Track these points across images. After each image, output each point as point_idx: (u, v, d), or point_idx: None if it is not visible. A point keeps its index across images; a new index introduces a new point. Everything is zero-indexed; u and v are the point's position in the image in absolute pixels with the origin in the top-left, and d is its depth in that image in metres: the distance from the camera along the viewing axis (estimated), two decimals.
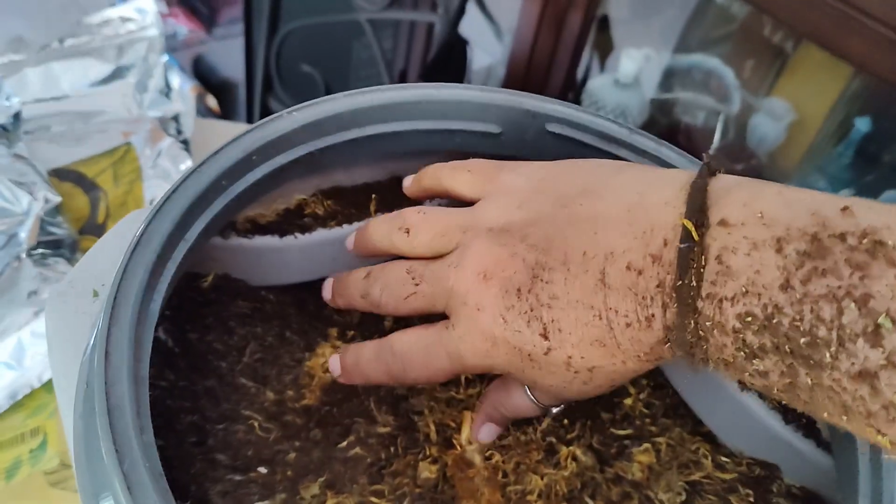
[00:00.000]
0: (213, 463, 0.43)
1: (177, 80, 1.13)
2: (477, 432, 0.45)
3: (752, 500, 0.47)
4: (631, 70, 1.24)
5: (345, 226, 0.51)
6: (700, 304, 0.31)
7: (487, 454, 0.47)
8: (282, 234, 0.50)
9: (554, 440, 0.50)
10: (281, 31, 1.43)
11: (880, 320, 0.25)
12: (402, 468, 0.46)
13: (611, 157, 0.49)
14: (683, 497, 0.47)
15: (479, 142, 0.50)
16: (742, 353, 0.30)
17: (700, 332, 0.31)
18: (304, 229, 0.51)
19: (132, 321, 0.32)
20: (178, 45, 2.18)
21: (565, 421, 0.52)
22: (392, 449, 0.48)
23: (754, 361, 0.29)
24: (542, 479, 0.47)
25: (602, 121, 0.48)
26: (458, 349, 0.39)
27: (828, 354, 0.26)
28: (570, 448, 0.49)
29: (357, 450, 0.47)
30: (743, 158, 1.29)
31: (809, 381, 0.28)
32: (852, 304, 0.26)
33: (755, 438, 0.49)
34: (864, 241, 0.26)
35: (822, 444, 0.47)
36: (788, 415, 0.48)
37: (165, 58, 1.12)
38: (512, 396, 0.44)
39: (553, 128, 0.49)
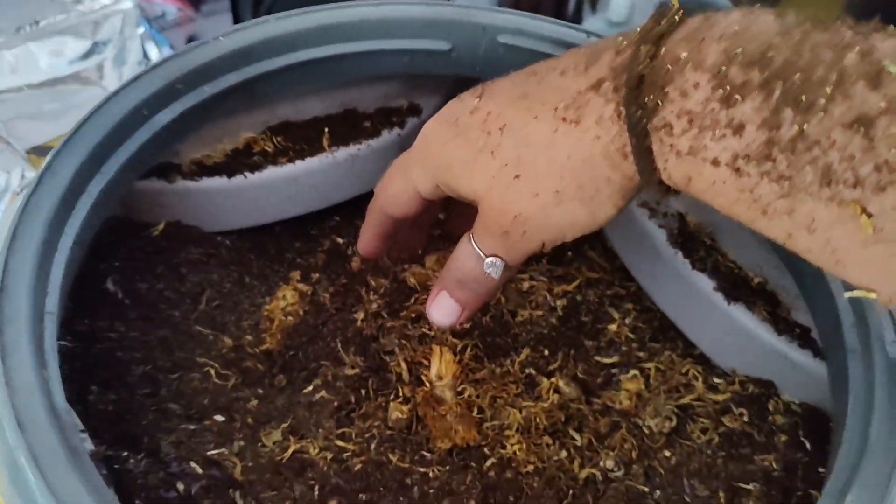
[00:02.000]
0: (166, 413, 0.41)
1: (155, 50, 1.11)
2: (429, 309, 0.39)
3: (746, 419, 0.43)
4: (623, 9, 1.19)
5: (297, 162, 0.49)
6: (671, 44, 0.27)
7: (459, 388, 0.45)
8: (230, 175, 0.47)
9: (533, 372, 0.47)
10: (266, 2, 1.40)
11: (885, 63, 0.22)
12: (372, 410, 0.44)
13: None
14: (674, 422, 0.45)
15: (429, 61, 0.46)
16: (719, 92, 0.25)
17: (665, 63, 0.27)
18: (254, 168, 0.48)
19: (35, 253, 0.30)
20: (168, 25, 2.16)
21: (545, 351, 0.49)
22: (362, 391, 0.45)
23: (729, 109, 0.25)
24: (520, 412, 0.45)
25: (557, 27, 0.45)
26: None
27: (824, 93, 0.23)
28: (552, 380, 0.47)
29: (323, 393, 0.45)
30: None
31: (795, 131, 0.24)
32: (855, 51, 0.23)
33: (748, 354, 0.45)
34: (864, 24, 0.24)
35: (819, 355, 0.44)
36: (780, 325, 0.44)
37: (142, 29, 1.10)
38: (456, 251, 0.37)
39: (506, 39, 0.45)
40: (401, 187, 0.38)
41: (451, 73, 0.48)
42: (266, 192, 0.49)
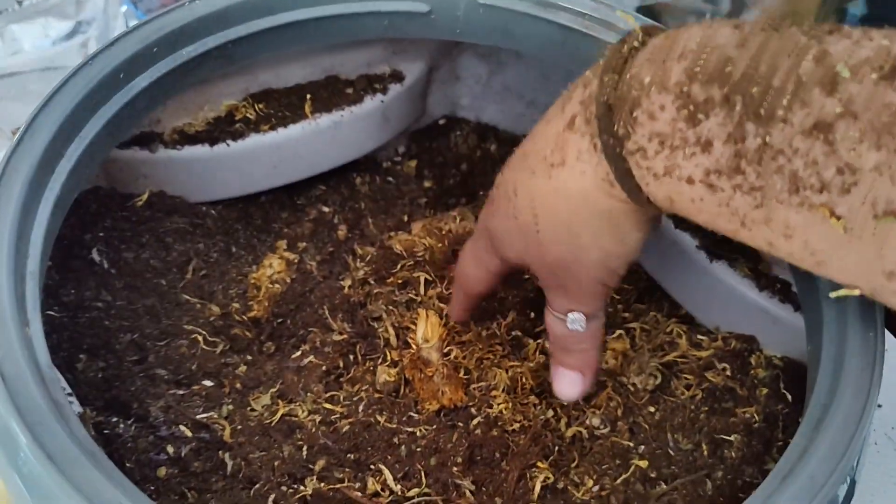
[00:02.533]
0: (154, 379, 0.41)
1: None
2: (555, 387, 0.40)
3: (728, 373, 0.44)
4: None
5: (279, 129, 0.48)
6: (635, 68, 0.28)
7: (446, 350, 0.45)
8: (212, 143, 0.47)
9: (520, 333, 0.48)
10: None
11: (838, 67, 0.23)
12: (360, 374, 0.44)
13: (548, 25, 0.45)
14: (658, 379, 0.45)
15: (408, 24, 0.46)
16: (684, 112, 0.26)
17: (631, 88, 0.28)
18: (237, 136, 0.48)
19: (15, 215, 0.30)
20: (155, 7, 2.14)
21: (531, 314, 0.49)
22: (350, 356, 0.46)
23: (695, 127, 0.26)
24: (506, 373, 0.45)
25: None
26: None
27: (783, 103, 0.24)
28: (538, 341, 0.47)
29: (311, 359, 0.45)
30: None
31: (759, 142, 0.24)
32: (809, 56, 0.24)
33: (731, 311, 0.46)
34: (823, 26, 0.25)
35: (799, 309, 0.44)
36: (762, 280, 0.45)
37: (125, 7, 1.09)
38: (546, 324, 0.39)
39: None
40: (473, 270, 0.40)
41: (432, 38, 0.48)
42: (249, 161, 0.49)
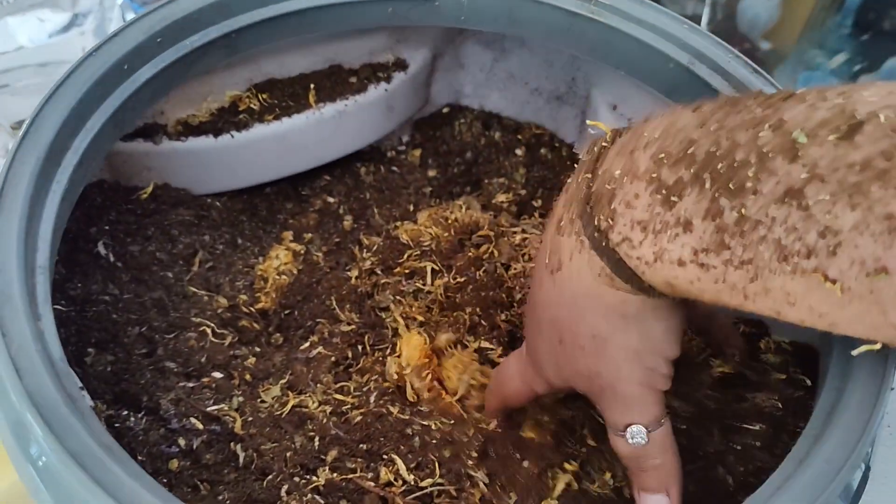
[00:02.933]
0: (164, 372, 0.41)
1: None
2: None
3: (737, 359, 0.44)
4: None
5: (284, 119, 0.48)
6: (607, 163, 0.29)
7: (426, 375, 0.45)
8: (217, 134, 0.47)
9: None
10: None
11: (795, 134, 0.23)
12: (369, 365, 0.44)
13: (554, 10, 0.45)
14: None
15: (412, 11, 0.46)
16: (659, 195, 0.26)
17: (605, 183, 0.28)
18: (241, 126, 0.48)
19: (24, 208, 0.30)
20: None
21: None
22: (359, 347, 0.46)
23: (672, 209, 0.26)
24: None
25: None
26: None
27: (749, 174, 0.24)
28: None
29: (320, 350, 0.45)
30: (734, 44, 1.23)
31: (736, 216, 0.24)
32: (767, 127, 0.24)
33: None
34: (778, 94, 0.25)
35: None
36: None
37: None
38: (616, 447, 0.37)
39: None
40: (517, 388, 0.39)
41: (436, 25, 0.48)
42: (254, 152, 0.49)
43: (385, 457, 0.38)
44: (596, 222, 0.29)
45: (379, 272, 0.49)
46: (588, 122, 0.44)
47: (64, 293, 0.42)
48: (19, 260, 0.28)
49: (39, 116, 0.33)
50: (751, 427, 0.40)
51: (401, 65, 0.53)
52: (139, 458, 0.37)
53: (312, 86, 0.49)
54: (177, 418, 0.39)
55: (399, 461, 0.38)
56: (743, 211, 0.24)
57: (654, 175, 0.27)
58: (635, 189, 0.27)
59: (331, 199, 0.54)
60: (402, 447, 0.40)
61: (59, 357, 0.27)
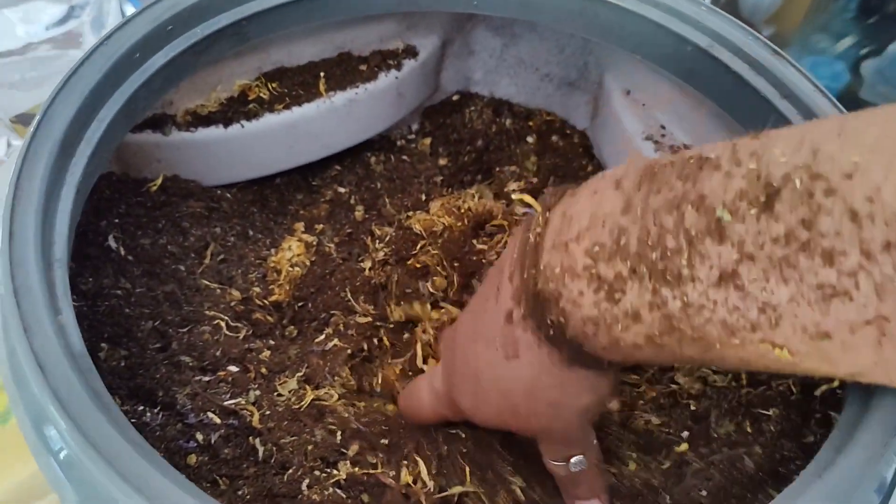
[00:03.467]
0: (179, 366, 0.40)
1: (132, 11, 1.08)
2: None
3: None
4: None
5: (294, 108, 0.47)
6: (546, 257, 0.29)
7: None
8: (227, 124, 0.46)
9: None
10: None
11: (718, 213, 0.23)
12: (388, 359, 0.44)
13: None
14: (700, 384, 0.44)
15: None
16: (602, 292, 0.27)
17: (548, 281, 0.28)
18: (251, 116, 0.47)
19: (39, 201, 0.29)
20: None
21: None
22: (375, 340, 0.45)
23: (618, 304, 0.26)
24: None
25: None
26: None
27: (683, 263, 0.24)
28: None
29: (336, 342, 0.45)
30: None
31: (680, 304, 0.25)
32: (689, 207, 0.24)
33: None
34: (691, 160, 0.25)
35: None
36: None
37: None
38: (553, 471, 0.38)
39: None
40: (429, 417, 0.39)
41: (447, 10, 0.47)
42: (264, 142, 0.48)
43: (406, 451, 0.38)
44: (549, 321, 0.29)
45: (392, 263, 0.48)
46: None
47: (75, 288, 0.41)
48: (37, 254, 0.27)
49: (51, 108, 0.32)
50: (774, 414, 0.40)
51: (411, 52, 0.52)
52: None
53: (322, 74, 0.49)
54: (194, 413, 0.39)
55: (421, 463, 0.37)
56: (685, 299, 0.24)
57: (593, 272, 0.27)
58: (578, 287, 0.27)
59: (342, 190, 0.54)
60: (422, 440, 0.39)
61: (80, 351, 0.26)
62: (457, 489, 0.36)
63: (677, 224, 0.24)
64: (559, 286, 0.28)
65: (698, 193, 0.24)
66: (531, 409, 0.33)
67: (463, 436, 0.39)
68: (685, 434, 0.40)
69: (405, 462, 0.38)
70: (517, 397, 0.33)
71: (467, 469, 0.37)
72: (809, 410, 0.39)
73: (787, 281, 0.22)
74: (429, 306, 0.46)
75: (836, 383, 0.27)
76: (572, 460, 0.36)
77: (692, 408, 0.41)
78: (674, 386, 0.43)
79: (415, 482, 0.37)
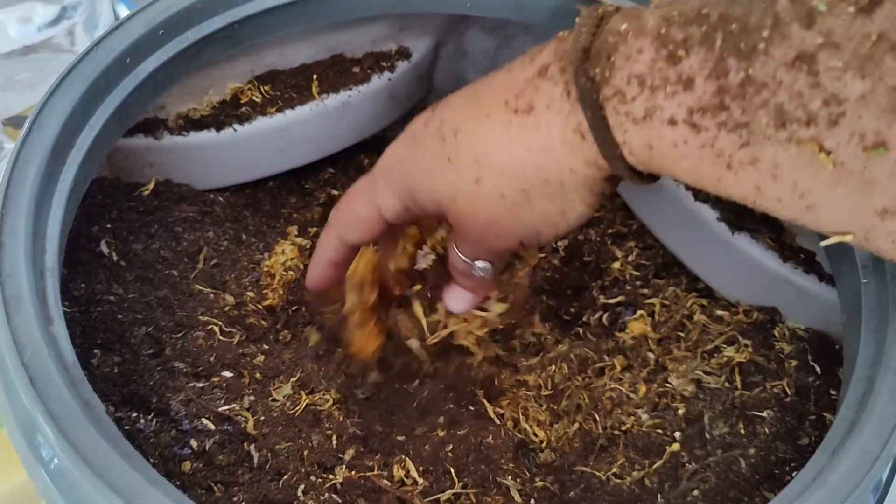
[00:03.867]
0: (173, 372, 0.40)
1: (125, 11, 1.07)
2: (444, 298, 0.41)
3: (751, 350, 0.43)
4: None
5: (287, 111, 0.47)
6: (611, 22, 0.28)
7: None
8: (219, 128, 0.46)
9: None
10: None
11: (814, 3, 0.22)
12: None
13: None
14: (694, 387, 0.44)
15: None
16: (663, 52, 0.25)
17: (608, 36, 0.27)
18: (243, 119, 0.47)
19: (29, 209, 0.29)
20: None
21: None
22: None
23: (676, 66, 0.25)
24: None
25: None
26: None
27: (762, 36, 0.23)
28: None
29: (330, 346, 0.45)
30: None
31: (742, 77, 0.24)
32: None
33: (754, 283, 0.45)
34: None
35: (825, 279, 0.44)
36: (785, 251, 0.44)
37: None
38: (449, 256, 0.38)
39: None
40: (363, 211, 0.37)
41: (441, 12, 0.47)
42: (257, 145, 0.48)
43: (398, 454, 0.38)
44: (592, 73, 0.28)
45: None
46: None
47: (67, 294, 0.41)
48: (28, 262, 0.27)
49: (42, 114, 0.32)
50: (769, 416, 0.40)
51: (404, 53, 0.52)
52: (151, 460, 0.36)
53: (315, 76, 0.48)
54: (188, 419, 0.38)
55: (409, 462, 0.37)
56: (750, 72, 0.24)
57: (663, 32, 0.26)
58: (639, 44, 0.26)
59: (335, 192, 0.53)
60: (418, 443, 0.39)
61: (72, 362, 0.26)
62: (448, 493, 0.36)
63: (767, 7, 0.23)
64: (620, 41, 0.27)
65: None
66: (498, 186, 0.31)
67: (445, 436, 0.39)
68: (678, 435, 0.40)
69: (396, 460, 0.38)
70: (494, 163, 0.31)
71: (452, 471, 0.37)
72: (804, 412, 0.39)
73: (864, 77, 0.22)
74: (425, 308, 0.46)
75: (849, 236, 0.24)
76: (479, 264, 0.35)
77: (685, 410, 0.41)
78: (667, 386, 0.43)
79: (407, 477, 0.37)
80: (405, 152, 0.35)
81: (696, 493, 0.37)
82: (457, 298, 0.39)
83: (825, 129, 0.22)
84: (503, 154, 0.31)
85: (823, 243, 0.25)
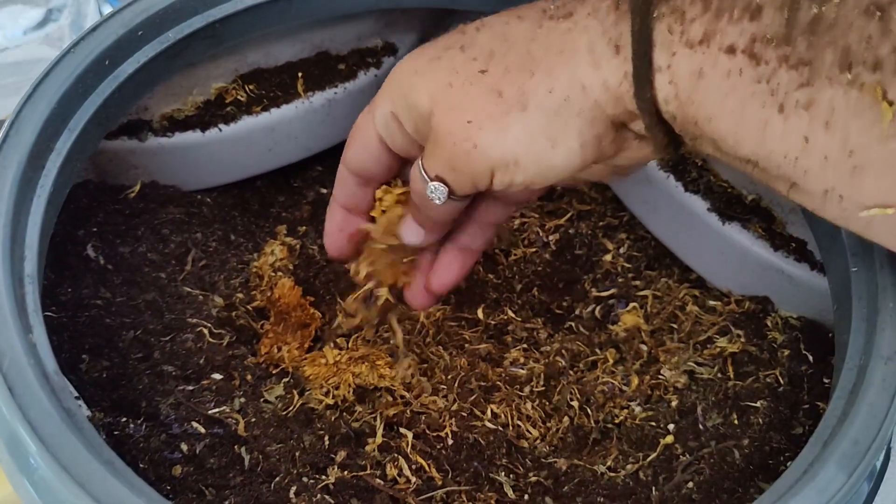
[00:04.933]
0: (162, 376, 0.40)
1: None
2: (400, 227, 0.37)
3: (743, 340, 0.43)
4: None
5: (272, 110, 0.47)
6: None
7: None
8: (204, 128, 0.46)
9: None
10: None
11: None
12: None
13: None
14: (687, 378, 0.44)
15: None
16: None
17: None
18: (228, 119, 0.46)
19: (7, 215, 0.28)
20: None
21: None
22: (359, 341, 0.45)
23: None
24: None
25: None
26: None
27: None
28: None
29: (323, 347, 0.44)
30: None
31: (813, 13, 0.22)
32: None
33: (745, 272, 0.45)
34: None
35: (816, 267, 0.43)
36: (776, 240, 0.44)
37: None
38: (412, 171, 0.34)
39: None
40: (361, 127, 0.34)
41: (427, 6, 0.46)
42: (243, 145, 0.47)
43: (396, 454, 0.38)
44: None
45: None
46: None
47: (54, 299, 0.41)
48: (5, 270, 0.27)
49: (18, 118, 0.31)
50: (762, 406, 0.39)
51: (390, 49, 0.52)
52: (141, 465, 0.36)
53: (300, 74, 0.48)
54: (178, 423, 0.38)
55: (402, 460, 0.37)
56: (823, 9, 0.22)
57: None
58: None
59: (324, 191, 0.53)
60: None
61: (53, 370, 0.26)
62: (440, 492, 0.36)
63: None
64: None
65: None
66: (502, 81, 0.28)
67: (445, 434, 0.39)
68: (671, 427, 0.40)
69: (389, 459, 0.37)
70: (506, 55, 0.28)
71: (446, 468, 0.37)
72: (797, 401, 0.39)
73: None
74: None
75: (891, 210, 0.23)
76: (435, 183, 0.31)
77: (678, 401, 0.41)
78: (660, 378, 0.43)
79: (400, 476, 0.37)
80: (414, 54, 0.32)
81: (690, 484, 0.37)
82: (412, 232, 0.36)
83: (891, 76, 0.22)
84: (519, 50, 0.28)
85: (862, 214, 0.24)
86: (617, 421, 0.41)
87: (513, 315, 0.47)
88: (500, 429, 0.40)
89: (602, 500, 0.37)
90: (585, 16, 0.28)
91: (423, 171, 0.31)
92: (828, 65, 0.23)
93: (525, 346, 0.45)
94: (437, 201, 0.32)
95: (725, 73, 0.25)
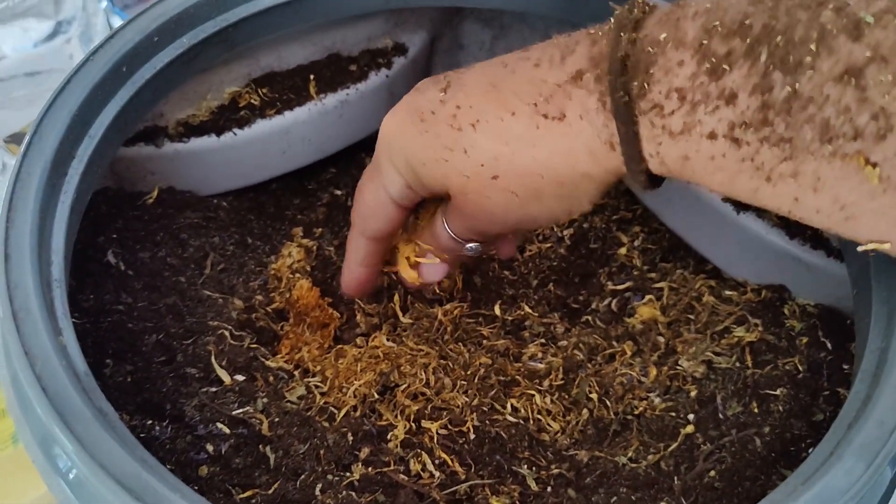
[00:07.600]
0: (185, 378, 0.40)
1: (119, 23, 1.08)
2: (420, 271, 0.40)
3: (761, 328, 0.43)
4: None
5: (286, 113, 0.47)
6: (648, 28, 0.27)
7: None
8: (219, 133, 0.46)
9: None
10: None
11: (861, 14, 0.22)
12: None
13: None
14: (705, 368, 0.44)
15: None
16: (705, 65, 0.25)
17: (645, 46, 0.26)
18: (243, 123, 0.47)
19: (34, 221, 0.29)
20: (132, 2, 2.10)
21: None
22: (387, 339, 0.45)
23: (718, 81, 0.25)
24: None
25: None
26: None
27: (808, 50, 0.23)
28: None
29: (342, 346, 0.45)
30: None
31: (787, 93, 0.23)
32: (829, 8, 0.23)
33: (761, 261, 0.45)
34: None
35: (832, 254, 0.43)
36: (792, 227, 0.44)
37: (104, 3, 1.07)
38: (435, 228, 0.38)
39: None
40: (372, 197, 0.37)
41: (435, 5, 0.47)
42: (258, 148, 0.48)
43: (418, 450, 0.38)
44: (629, 86, 0.27)
45: None
46: None
47: (77, 305, 0.41)
48: (34, 275, 0.27)
49: (41, 127, 0.32)
50: (782, 394, 0.39)
51: (400, 49, 0.52)
52: (168, 466, 0.36)
53: (312, 77, 0.48)
54: (202, 424, 0.39)
55: (425, 456, 0.37)
56: (796, 87, 0.23)
57: (704, 43, 0.25)
58: (680, 56, 0.26)
59: (338, 192, 0.53)
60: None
61: (83, 371, 0.26)
62: (463, 485, 0.36)
63: (812, 19, 0.23)
64: (658, 53, 0.26)
65: (839, 4, 0.23)
66: (514, 185, 0.31)
67: (467, 429, 0.39)
68: (691, 417, 0.40)
69: (412, 455, 0.38)
70: (514, 164, 0.31)
71: (473, 465, 0.37)
72: (817, 388, 0.39)
73: None
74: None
75: (887, 245, 0.24)
76: (469, 245, 0.36)
77: (697, 391, 0.41)
78: (678, 368, 0.43)
79: (423, 471, 0.37)
80: (411, 132, 0.33)
81: (712, 473, 0.37)
82: (432, 270, 0.39)
83: (872, 143, 0.22)
84: (525, 156, 0.31)
85: (860, 248, 0.25)
86: (636, 412, 0.41)
87: (529, 310, 0.47)
88: (521, 422, 0.40)
89: (624, 490, 0.37)
90: (578, 119, 0.29)
91: (453, 237, 0.36)
92: (808, 141, 0.23)
93: (542, 340, 0.45)
94: (475, 254, 0.36)
95: (710, 156, 0.26)
